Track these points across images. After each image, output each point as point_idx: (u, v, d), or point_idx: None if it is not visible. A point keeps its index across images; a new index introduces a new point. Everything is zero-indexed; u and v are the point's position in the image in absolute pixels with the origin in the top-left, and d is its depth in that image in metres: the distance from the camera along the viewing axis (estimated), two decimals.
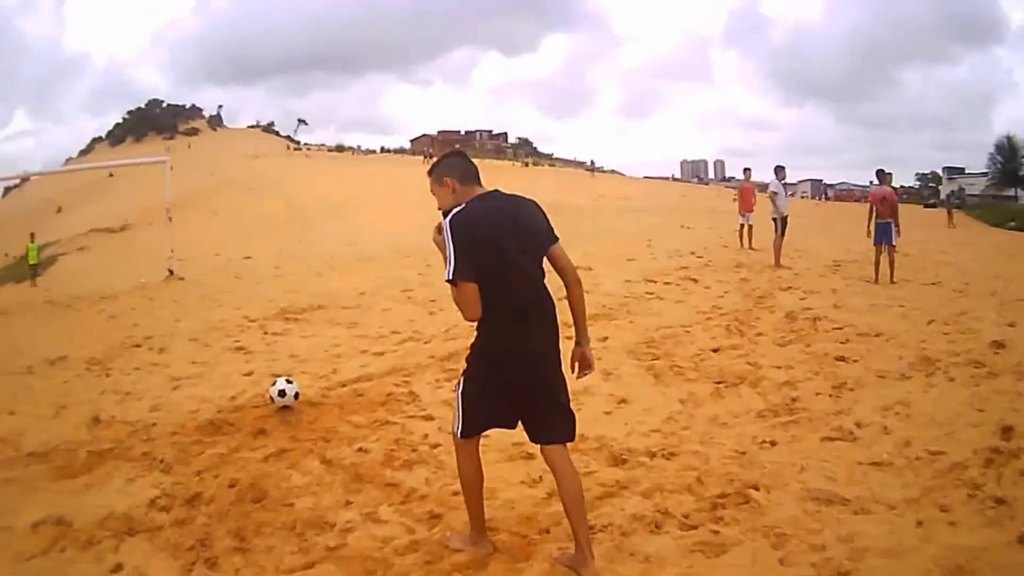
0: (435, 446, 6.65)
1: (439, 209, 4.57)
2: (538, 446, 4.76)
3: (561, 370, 4.83)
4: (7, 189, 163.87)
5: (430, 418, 7.46)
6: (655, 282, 14.89)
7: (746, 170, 25.35)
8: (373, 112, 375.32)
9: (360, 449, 6.75)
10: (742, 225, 22.51)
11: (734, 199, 24.35)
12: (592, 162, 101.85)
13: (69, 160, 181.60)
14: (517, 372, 4.56)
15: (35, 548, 5.43)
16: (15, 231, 73.30)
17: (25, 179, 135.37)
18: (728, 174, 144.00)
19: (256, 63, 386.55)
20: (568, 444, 4.70)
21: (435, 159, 4.89)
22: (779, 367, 8.68)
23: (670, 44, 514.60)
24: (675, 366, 8.86)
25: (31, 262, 36.08)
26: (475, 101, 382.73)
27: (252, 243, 34.07)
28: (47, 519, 5.80)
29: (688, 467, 5.89)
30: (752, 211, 22.39)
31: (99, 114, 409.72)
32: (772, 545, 4.71)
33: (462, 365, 6.43)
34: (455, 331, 11.04)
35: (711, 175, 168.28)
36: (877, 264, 15.78)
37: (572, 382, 5.23)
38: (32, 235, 37.09)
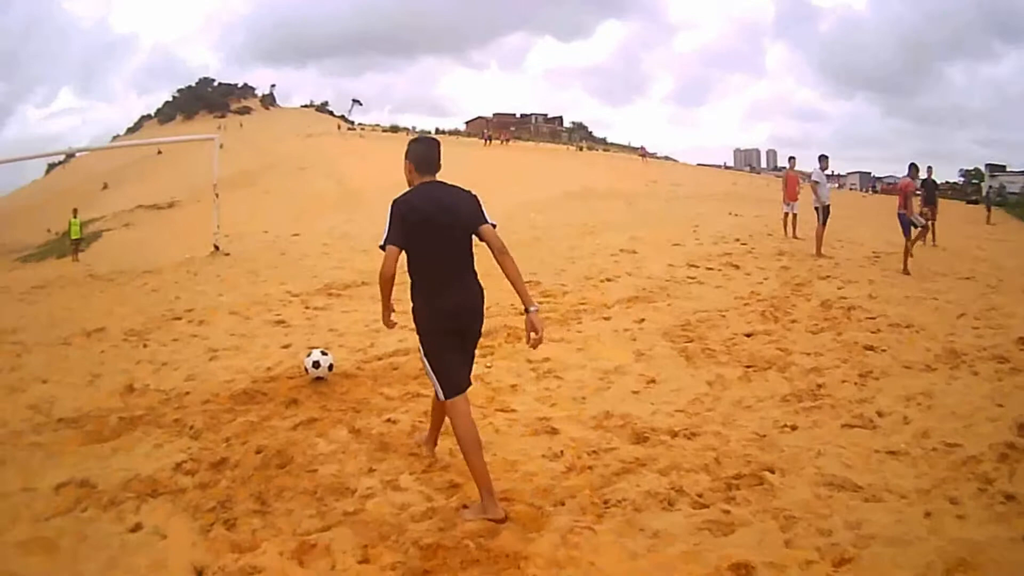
0: None
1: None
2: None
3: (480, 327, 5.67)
4: (51, 166, 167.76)
5: None
6: (697, 267, 15.32)
7: (791, 159, 25.87)
8: (428, 94, 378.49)
9: (389, 420, 7.00)
10: (786, 214, 22.95)
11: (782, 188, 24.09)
12: (643, 148, 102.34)
13: (116, 138, 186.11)
14: (453, 324, 5.46)
15: (56, 508, 5.68)
16: (59, 207, 74.64)
17: (70, 155, 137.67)
18: (779, 163, 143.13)
19: (309, 44, 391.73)
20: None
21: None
22: (808, 354, 8.99)
23: (722, 33, 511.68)
24: (707, 349, 9.17)
25: (73, 237, 36.69)
26: (530, 85, 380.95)
27: (301, 222, 34.57)
28: (71, 481, 6.08)
29: (708, 447, 6.13)
30: (796, 200, 22.94)
31: (147, 93, 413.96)
32: (780, 527, 4.92)
33: (498, 341, 7.94)
34: (494, 309, 11.00)
35: (763, 164, 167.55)
36: (905, 255, 16.28)
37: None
38: (75, 210, 37.65)
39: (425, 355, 5.52)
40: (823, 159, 20.34)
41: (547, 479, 5.66)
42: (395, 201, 5.40)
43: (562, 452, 6.09)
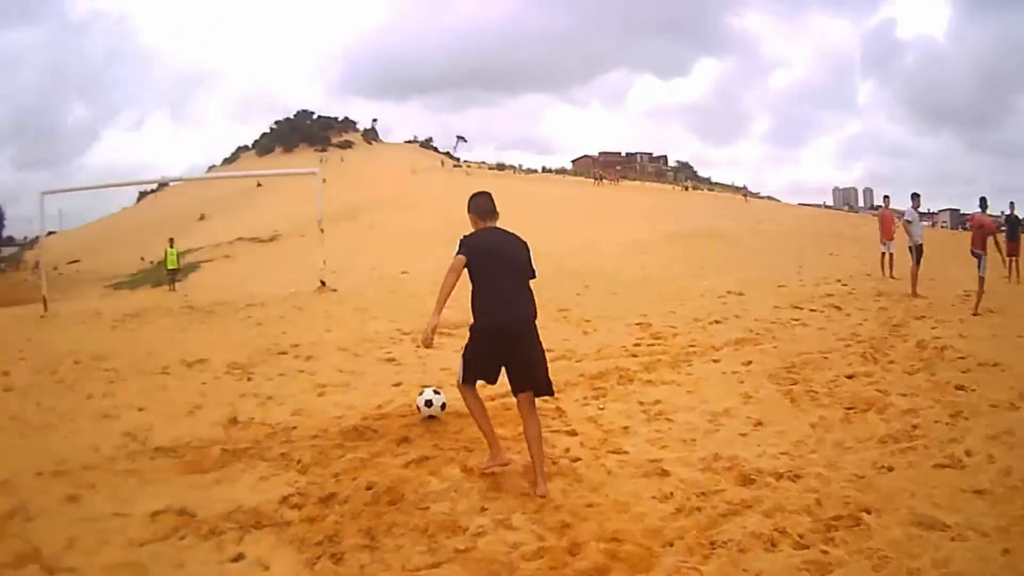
0: (575, 460, 7.21)
1: None
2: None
3: (536, 345, 7.00)
4: (142, 193, 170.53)
5: (574, 433, 8.03)
6: (801, 308, 16.11)
7: (885, 198, 27.02)
8: (532, 131, 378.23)
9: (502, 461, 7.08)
10: (883, 253, 23.64)
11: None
12: (746, 188, 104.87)
13: (212, 168, 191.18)
14: (497, 342, 6.77)
15: (152, 535, 5.83)
16: (152, 236, 76.36)
17: (163, 184, 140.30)
18: (875, 202, 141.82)
19: (409, 78, 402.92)
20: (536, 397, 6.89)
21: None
22: (905, 395, 9.26)
23: (814, 69, 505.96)
24: (811, 391, 9.50)
25: (170, 267, 37.48)
26: (632, 123, 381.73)
27: (409, 258, 35.03)
28: (168, 509, 6.26)
29: (810, 489, 6.38)
30: (892, 239, 23.58)
31: (243, 123, 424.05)
32: (873, 567, 5.15)
33: (610, 383, 9.32)
34: (606, 351, 12.06)
35: (860, 202, 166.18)
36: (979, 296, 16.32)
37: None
38: (171, 240, 38.39)
39: (464, 349, 6.93)
40: (915, 197, 20.89)
41: (656, 520, 5.87)
42: (464, 237, 6.82)
43: (672, 494, 6.33)
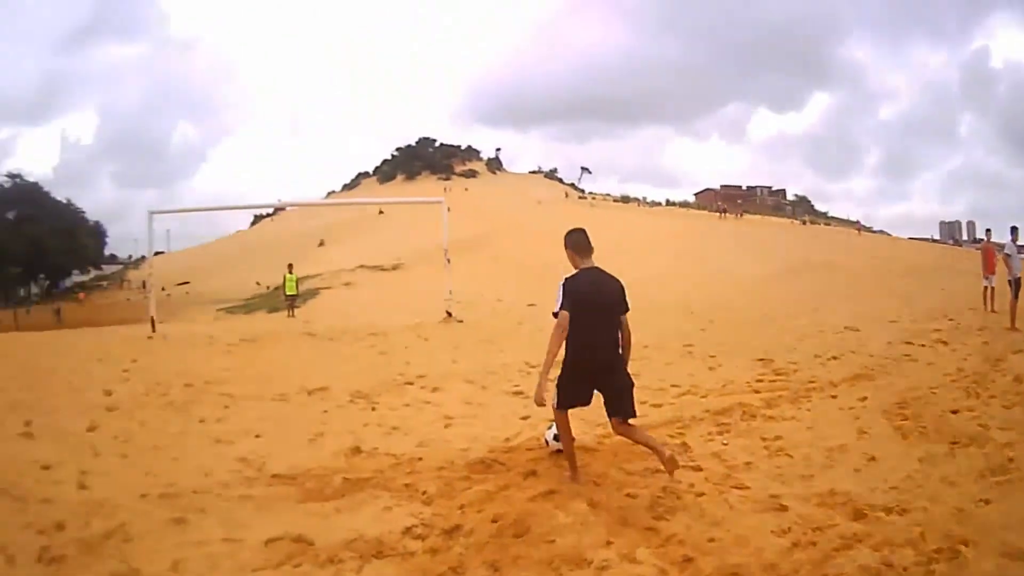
0: (700, 495, 7.34)
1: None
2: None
3: (623, 374, 7.61)
4: (257, 217, 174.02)
5: (699, 469, 8.19)
6: (912, 344, 16.64)
7: (987, 231, 27.13)
8: (654, 163, 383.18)
9: (628, 495, 7.34)
10: (985, 287, 24.17)
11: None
12: (859, 222, 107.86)
13: (331, 194, 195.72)
14: (590, 372, 7.50)
15: (264, 562, 5.92)
16: (267, 261, 77.69)
17: (280, 208, 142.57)
18: (979, 235, 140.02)
19: (530, 108, 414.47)
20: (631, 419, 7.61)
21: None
22: (1003, 428, 9.45)
23: (918, 101, 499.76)
24: (920, 426, 9.72)
25: (288, 293, 38.16)
26: (750, 156, 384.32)
27: (534, 290, 35.68)
28: (284, 536, 6.35)
29: (915, 523, 6.56)
30: (994, 272, 23.91)
31: (362, 149, 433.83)
32: None
33: (733, 419, 9.94)
34: (731, 387, 12.42)
35: (964, 236, 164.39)
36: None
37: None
38: (290, 266, 39.16)
39: (558, 378, 7.53)
40: (1013, 231, 21.84)
41: (774, 555, 6.03)
42: (567, 280, 7.52)
43: (789, 528, 6.52)
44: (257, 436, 9.93)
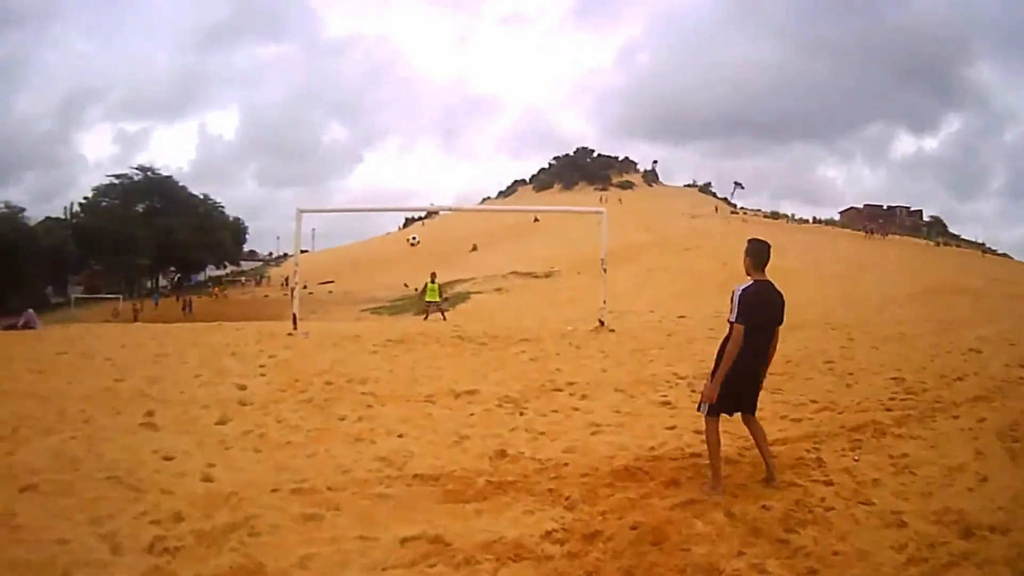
0: (829, 509, 7.44)
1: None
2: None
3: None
4: (408, 220, 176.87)
5: (830, 483, 8.27)
6: None
7: None
8: (803, 180, 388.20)
9: (763, 507, 7.46)
10: None
11: None
12: (984, 244, 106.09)
13: (486, 200, 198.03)
14: (749, 380, 8.05)
15: (398, 560, 6.00)
16: (418, 264, 78.36)
17: (432, 212, 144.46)
18: None
19: (685, 122, 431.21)
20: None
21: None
22: None
23: None
24: None
25: (428, 299, 38.10)
26: (890, 176, 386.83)
27: (686, 302, 36.04)
28: (422, 536, 6.43)
29: (1015, 543, 6.63)
30: None
31: (517, 157, 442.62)
32: None
33: (866, 436, 10.19)
34: (866, 403, 12.35)
35: None
36: None
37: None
38: (433, 275, 38.97)
39: (720, 385, 7.84)
40: None
41: (891, 569, 6.24)
42: (744, 290, 7.88)
43: (906, 544, 6.67)
44: (400, 436, 10.08)
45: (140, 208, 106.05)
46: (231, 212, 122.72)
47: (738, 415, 8.24)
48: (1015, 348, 19.03)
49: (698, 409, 8.23)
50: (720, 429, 8.04)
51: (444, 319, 35.53)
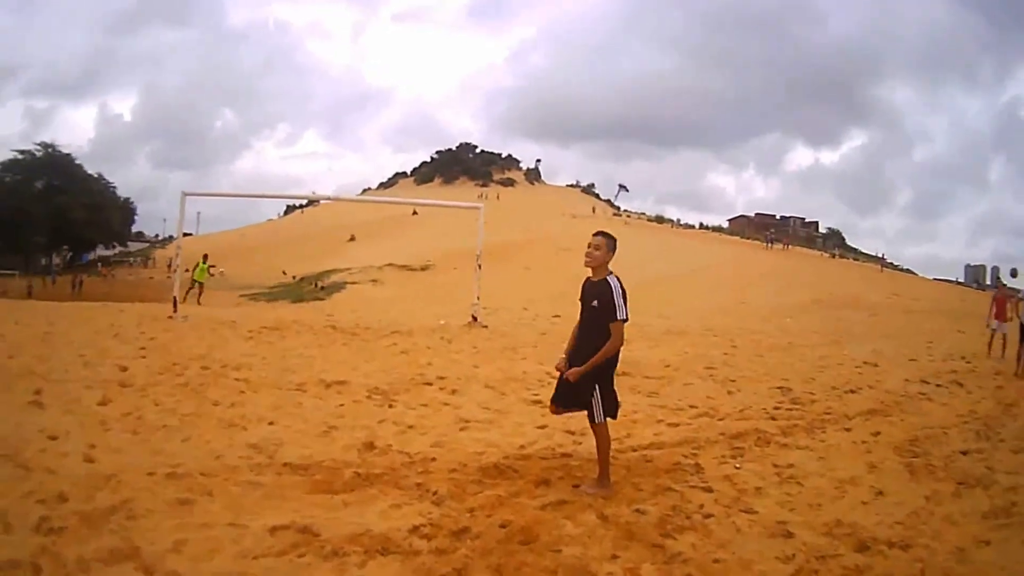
0: (708, 516, 7.41)
1: (588, 263, 8.05)
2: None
3: None
4: (289, 207, 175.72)
5: (709, 490, 8.28)
6: (928, 383, 16.53)
7: (1002, 277, 27.47)
8: (690, 187, 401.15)
9: (637, 510, 7.43)
10: (994, 332, 23.91)
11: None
12: (883, 257, 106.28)
13: (367, 191, 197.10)
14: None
15: (267, 549, 5.97)
16: (296, 251, 78.25)
17: (314, 202, 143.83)
18: (1002, 279, 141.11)
19: (572, 124, 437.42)
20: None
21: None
22: (1009, 473, 9.65)
23: (952, 146, 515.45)
24: (929, 465, 9.93)
25: (197, 279, 39.39)
26: (783, 187, 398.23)
27: (561, 302, 35.78)
28: (291, 525, 6.40)
29: (916, 559, 6.75)
30: (1005, 320, 23.68)
31: (401, 151, 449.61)
32: None
33: (748, 444, 10.17)
34: (749, 412, 12.41)
35: (988, 280, 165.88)
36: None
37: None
38: (205, 256, 41.11)
39: (601, 389, 7.69)
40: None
41: None
42: (619, 280, 7.70)
43: (793, 555, 6.65)
44: (270, 424, 10.02)
45: (39, 185, 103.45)
46: (124, 193, 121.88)
47: (582, 414, 8.02)
48: (916, 363, 19.87)
49: (594, 421, 7.80)
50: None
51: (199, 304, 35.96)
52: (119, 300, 35.50)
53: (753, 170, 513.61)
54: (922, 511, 8.03)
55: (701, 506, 7.64)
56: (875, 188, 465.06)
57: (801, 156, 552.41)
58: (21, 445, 8.20)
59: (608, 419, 7.81)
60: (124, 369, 13.04)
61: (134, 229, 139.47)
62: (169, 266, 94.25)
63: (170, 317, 22.60)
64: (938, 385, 16.35)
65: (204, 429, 9.55)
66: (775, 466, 9.33)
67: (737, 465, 9.30)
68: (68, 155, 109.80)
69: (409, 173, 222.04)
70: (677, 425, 11.29)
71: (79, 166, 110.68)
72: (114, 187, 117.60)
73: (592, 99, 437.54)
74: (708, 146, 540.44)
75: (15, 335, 17.02)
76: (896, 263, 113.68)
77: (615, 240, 8.04)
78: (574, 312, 7.98)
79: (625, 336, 7.67)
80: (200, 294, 38.59)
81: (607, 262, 7.91)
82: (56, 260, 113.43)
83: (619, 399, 8.01)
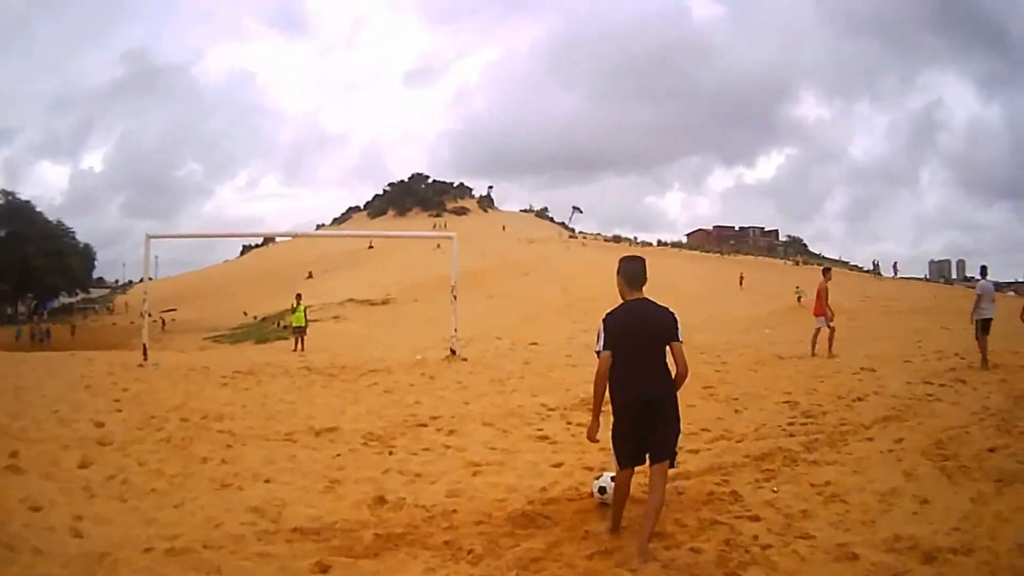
0: (766, 547, 7.08)
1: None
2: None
3: (672, 419, 7.27)
4: (245, 247, 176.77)
5: (756, 518, 7.92)
6: (932, 384, 16.50)
7: (825, 270, 27.10)
8: (628, 209, 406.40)
9: (692, 549, 7.06)
10: (818, 329, 24.07)
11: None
12: (876, 264, 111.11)
13: (320, 227, 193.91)
14: (637, 414, 7.08)
15: None
16: (255, 290, 77.96)
17: (270, 239, 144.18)
18: (968, 273, 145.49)
19: (510, 159, 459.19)
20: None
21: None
22: None
23: (880, 154, 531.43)
24: (962, 466, 9.74)
25: (296, 324, 35.25)
26: (720, 202, 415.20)
27: (533, 328, 36.18)
28: None
29: (983, 562, 6.68)
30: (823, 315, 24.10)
31: (353, 189, 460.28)
32: None
33: (776, 464, 9.81)
34: (764, 431, 12.14)
35: (954, 275, 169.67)
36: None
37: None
38: (299, 296, 36.28)
39: (612, 430, 7.20)
40: (983, 269, 21.81)
41: None
42: (607, 315, 7.28)
43: None
44: (267, 481, 9.35)
45: (2, 233, 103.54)
46: (89, 240, 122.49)
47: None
48: (912, 365, 19.80)
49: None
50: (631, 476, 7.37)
51: (301, 351, 32.60)
52: (85, 348, 34.69)
53: (679, 189, 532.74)
54: (972, 514, 7.89)
55: (756, 537, 7.26)
56: (808, 197, 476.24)
57: (723, 175, 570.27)
58: (3, 517, 7.53)
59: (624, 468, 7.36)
60: (100, 425, 12.42)
61: (94, 275, 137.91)
62: (142, 315, 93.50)
63: (140, 365, 22.05)
64: (942, 385, 16.15)
65: (197, 491, 8.87)
66: (812, 485, 9.00)
67: (774, 489, 8.90)
68: (28, 202, 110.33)
69: (362, 207, 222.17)
70: (697, 452, 10.75)
71: (39, 213, 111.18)
72: (73, 232, 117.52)
73: (525, 136, 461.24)
74: (637, 171, 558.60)
75: None
76: (859, 265, 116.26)
77: (622, 265, 7.57)
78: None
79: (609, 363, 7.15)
80: (302, 340, 34.25)
81: (621, 293, 7.49)
82: (21, 308, 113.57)
83: (636, 451, 7.32)
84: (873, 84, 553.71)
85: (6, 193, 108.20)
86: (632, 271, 7.39)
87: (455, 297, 26.25)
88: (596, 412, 7.21)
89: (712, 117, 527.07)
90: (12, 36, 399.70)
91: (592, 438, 7.26)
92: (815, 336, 23.66)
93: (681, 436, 10.95)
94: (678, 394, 7.26)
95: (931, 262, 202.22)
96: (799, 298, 61.45)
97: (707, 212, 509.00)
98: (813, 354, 22.80)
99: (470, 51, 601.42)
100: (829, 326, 23.57)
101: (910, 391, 15.34)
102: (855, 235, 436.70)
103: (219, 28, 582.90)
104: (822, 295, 24.10)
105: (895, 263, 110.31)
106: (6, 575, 6.15)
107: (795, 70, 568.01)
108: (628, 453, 7.15)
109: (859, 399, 14.67)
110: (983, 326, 19.81)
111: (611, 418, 7.15)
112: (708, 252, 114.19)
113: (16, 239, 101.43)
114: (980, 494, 8.45)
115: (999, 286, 22.45)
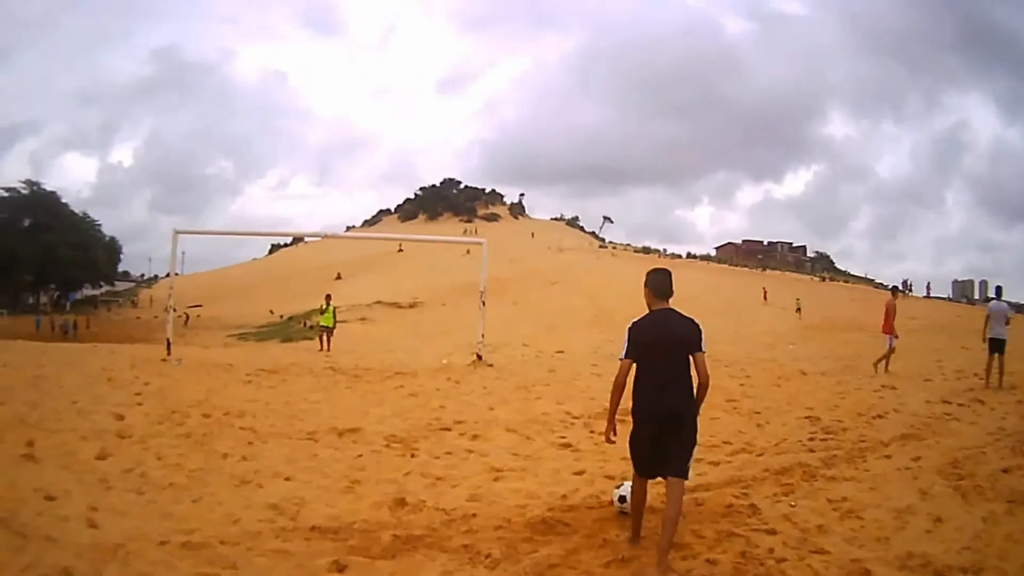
0: (781, 560, 7.13)
1: None
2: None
3: (689, 429, 7.28)
4: (274, 247, 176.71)
5: (773, 532, 7.95)
6: (950, 403, 16.61)
7: (893, 288, 27.90)
8: (657, 221, 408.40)
9: (708, 561, 7.09)
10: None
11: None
12: (907, 283, 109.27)
13: (351, 229, 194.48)
14: (656, 424, 7.17)
15: None
16: (281, 289, 77.68)
17: (299, 239, 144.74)
18: (991, 295, 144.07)
19: (539, 169, 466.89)
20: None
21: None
22: None
23: (904, 173, 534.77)
24: (976, 486, 9.78)
25: (323, 324, 34.84)
26: (749, 217, 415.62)
27: (559, 336, 35.94)
28: None
29: None
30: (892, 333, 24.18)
31: (383, 192, 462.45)
32: None
33: (795, 479, 9.79)
34: (785, 445, 12.18)
35: (977, 295, 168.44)
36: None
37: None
38: (328, 296, 35.26)
39: (629, 438, 7.38)
40: (999, 290, 22.22)
41: None
42: (632, 324, 7.43)
43: None
44: (287, 479, 9.33)
45: (26, 223, 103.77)
46: (115, 233, 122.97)
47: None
48: (932, 383, 20.05)
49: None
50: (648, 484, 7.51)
51: (328, 350, 32.24)
52: (109, 340, 34.64)
53: (707, 203, 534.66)
54: (983, 534, 7.95)
55: (771, 550, 7.31)
56: (834, 214, 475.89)
57: (750, 191, 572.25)
58: (16, 506, 7.49)
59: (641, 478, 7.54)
60: (121, 418, 12.35)
61: (120, 268, 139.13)
62: (167, 310, 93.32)
63: (164, 360, 21.92)
64: (960, 404, 16.29)
65: (215, 487, 8.86)
66: (829, 501, 9.04)
67: (792, 503, 8.95)
68: (53, 193, 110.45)
69: (393, 210, 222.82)
70: (718, 464, 10.85)
71: (64, 204, 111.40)
72: (99, 225, 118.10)
73: (556, 146, 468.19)
74: (665, 183, 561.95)
75: (3, 379, 16.07)
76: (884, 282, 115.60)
77: (649, 277, 7.76)
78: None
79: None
80: (328, 340, 34.09)
81: (648, 303, 7.68)
82: (43, 299, 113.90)
83: (654, 462, 7.39)
84: (898, 104, 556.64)
85: (31, 183, 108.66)
86: (659, 283, 7.58)
87: (483, 303, 26.07)
88: (611, 417, 7.45)
89: (741, 132, 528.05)
90: (44, 31, 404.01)
91: (608, 440, 7.44)
92: (887, 355, 23.52)
93: (702, 448, 10.87)
94: (701, 407, 7.37)
95: (954, 282, 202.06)
96: (798, 309, 62.35)
97: (736, 226, 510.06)
98: (887, 371, 22.69)
99: (501, 61, 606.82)
100: (891, 345, 23.37)
101: (929, 410, 15.48)
102: (879, 253, 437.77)
103: (250, 28, 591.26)
104: (890, 313, 24.00)
105: (928, 283, 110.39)
106: (17, 564, 6.12)
107: (823, 88, 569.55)
108: (642, 464, 7.31)
109: (879, 416, 14.76)
110: (992, 345, 19.86)
111: (630, 426, 7.30)
112: (736, 266, 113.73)
113: (39, 229, 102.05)
114: (992, 514, 8.55)
115: (1020, 308, 22.23)
